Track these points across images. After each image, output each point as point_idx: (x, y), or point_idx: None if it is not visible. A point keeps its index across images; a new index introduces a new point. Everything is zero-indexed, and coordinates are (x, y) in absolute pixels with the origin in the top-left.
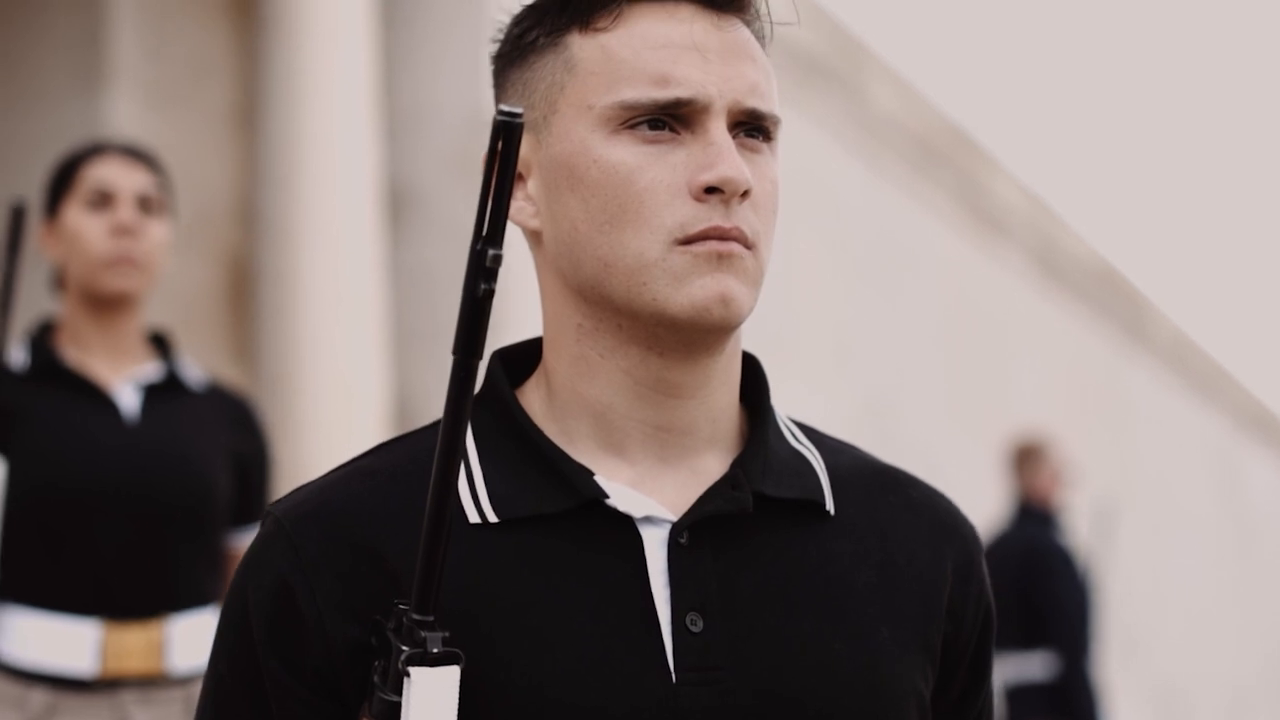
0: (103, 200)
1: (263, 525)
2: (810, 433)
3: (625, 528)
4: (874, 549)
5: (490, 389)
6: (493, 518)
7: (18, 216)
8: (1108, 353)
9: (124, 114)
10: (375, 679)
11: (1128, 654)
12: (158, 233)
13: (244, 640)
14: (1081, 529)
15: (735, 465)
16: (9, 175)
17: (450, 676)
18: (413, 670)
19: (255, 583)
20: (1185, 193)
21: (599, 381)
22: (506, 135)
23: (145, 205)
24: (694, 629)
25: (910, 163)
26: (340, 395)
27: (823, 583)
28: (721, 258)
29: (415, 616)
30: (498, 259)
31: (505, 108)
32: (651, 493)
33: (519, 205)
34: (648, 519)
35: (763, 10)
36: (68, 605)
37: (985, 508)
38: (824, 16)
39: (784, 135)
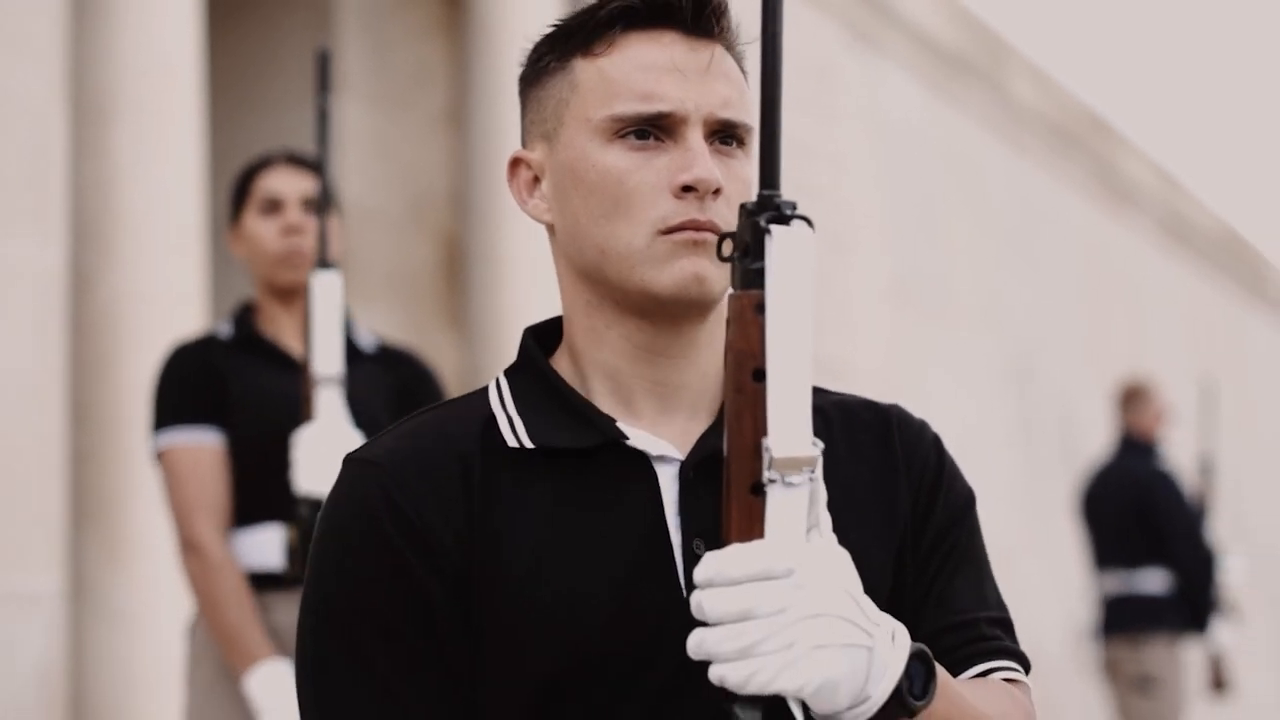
0: (272, 206)
1: (350, 469)
2: None
3: (642, 464)
4: (835, 470)
5: (525, 358)
6: (529, 444)
7: (323, 61)
8: (1229, 307)
9: (351, 116)
10: (735, 258)
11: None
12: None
13: (380, 561)
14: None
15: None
16: None
17: (806, 233)
18: (774, 228)
19: (373, 504)
20: None
21: (607, 348)
22: None
23: (310, 206)
24: (699, 552)
25: (1049, 145)
26: None
27: None
28: (696, 244)
29: (764, 191)
30: None
31: None
32: (660, 438)
33: (535, 203)
34: (661, 458)
35: (738, 35)
36: (264, 519)
37: None
38: (969, 18)
39: (936, 123)
